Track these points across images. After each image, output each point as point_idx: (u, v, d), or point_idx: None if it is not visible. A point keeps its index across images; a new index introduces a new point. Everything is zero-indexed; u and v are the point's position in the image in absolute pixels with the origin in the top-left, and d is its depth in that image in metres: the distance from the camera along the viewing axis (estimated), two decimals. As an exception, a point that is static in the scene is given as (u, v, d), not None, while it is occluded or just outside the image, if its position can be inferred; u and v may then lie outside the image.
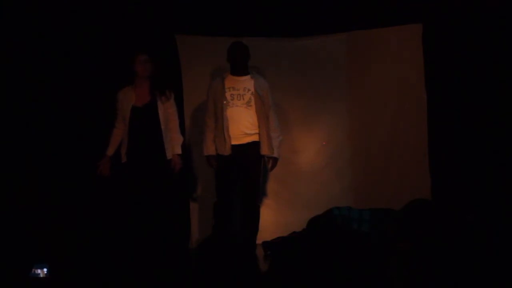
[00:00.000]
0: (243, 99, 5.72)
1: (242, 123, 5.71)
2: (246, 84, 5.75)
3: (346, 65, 6.69)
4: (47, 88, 6.01)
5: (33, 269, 4.45)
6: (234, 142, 5.70)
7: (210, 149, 5.78)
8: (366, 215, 5.75)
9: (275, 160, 5.87)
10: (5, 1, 5.86)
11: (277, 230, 6.22)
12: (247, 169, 5.74)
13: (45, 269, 4.45)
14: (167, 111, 5.55)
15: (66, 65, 6.06)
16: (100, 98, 5.98)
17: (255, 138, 5.75)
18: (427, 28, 6.26)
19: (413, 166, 6.35)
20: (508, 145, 6.03)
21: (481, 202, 5.86)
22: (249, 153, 5.72)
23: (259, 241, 5.95)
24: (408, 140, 6.41)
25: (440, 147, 6.28)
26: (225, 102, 5.70)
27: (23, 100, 5.93)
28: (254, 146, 5.75)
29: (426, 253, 3.21)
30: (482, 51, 6.11)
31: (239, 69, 5.77)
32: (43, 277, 4.43)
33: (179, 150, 5.59)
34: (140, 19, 6.24)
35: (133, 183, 5.43)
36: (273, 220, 6.51)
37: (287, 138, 6.56)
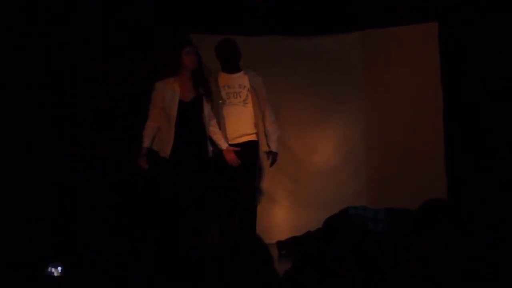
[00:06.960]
0: (240, 96, 5.59)
1: (240, 123, 5.58)
2: (240, 81, 5.61)
3: (361, 64, 6.66)
4: (62, 87, 6.03)
5: (48, 268, 4.47)
6: (231, 142, 5.53)
7: None
8: (382, 214, 5.73)
9: (275, 154, 5.72)
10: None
11: (291, 230, 6.23)
12: (243, 169, 5.53)
13: (59, 268, 4.47)
14: (209, 107, 5.34)
15: (82, 63, 6.08)
16: (120, 97, 6.00)
17: (252, 137, 5.62)
18: (443, 26, 6.22)
19: (429, 166, 6.31)
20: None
21: (498, 202, 5.81)
22: (245, 153, 5.52)
23: (273, 240, 5.96)
24: (424, 139, 6.37)
25: (457, 147, 6.22)
26: (220, 101, 5.55)
27: (38, 99, 5.95)
28: (250, 145, 5.60)
29: (442, 253, 3.18)
30: (500, 50, 6.04)
31: (232, 66, 5.63)
32: (57, 276, 4.45)
33: (226, 143, 5.46)
34: (157, 19, 6.26)
35: (178, 180, 5.22)
36: (288, 219, 6.51)
37: (302, 137, 6.55)
